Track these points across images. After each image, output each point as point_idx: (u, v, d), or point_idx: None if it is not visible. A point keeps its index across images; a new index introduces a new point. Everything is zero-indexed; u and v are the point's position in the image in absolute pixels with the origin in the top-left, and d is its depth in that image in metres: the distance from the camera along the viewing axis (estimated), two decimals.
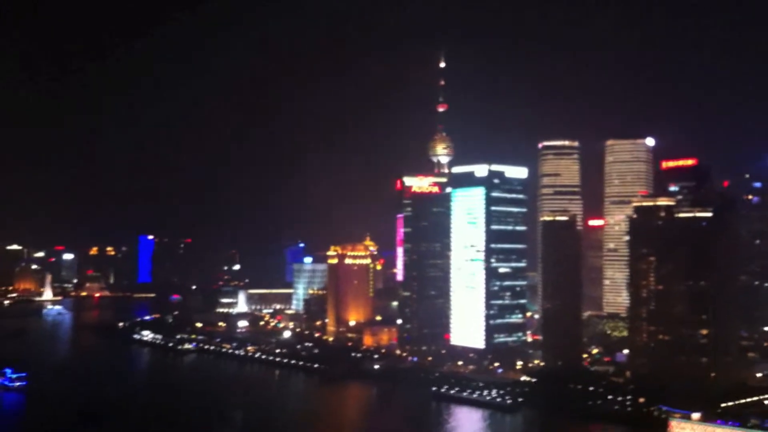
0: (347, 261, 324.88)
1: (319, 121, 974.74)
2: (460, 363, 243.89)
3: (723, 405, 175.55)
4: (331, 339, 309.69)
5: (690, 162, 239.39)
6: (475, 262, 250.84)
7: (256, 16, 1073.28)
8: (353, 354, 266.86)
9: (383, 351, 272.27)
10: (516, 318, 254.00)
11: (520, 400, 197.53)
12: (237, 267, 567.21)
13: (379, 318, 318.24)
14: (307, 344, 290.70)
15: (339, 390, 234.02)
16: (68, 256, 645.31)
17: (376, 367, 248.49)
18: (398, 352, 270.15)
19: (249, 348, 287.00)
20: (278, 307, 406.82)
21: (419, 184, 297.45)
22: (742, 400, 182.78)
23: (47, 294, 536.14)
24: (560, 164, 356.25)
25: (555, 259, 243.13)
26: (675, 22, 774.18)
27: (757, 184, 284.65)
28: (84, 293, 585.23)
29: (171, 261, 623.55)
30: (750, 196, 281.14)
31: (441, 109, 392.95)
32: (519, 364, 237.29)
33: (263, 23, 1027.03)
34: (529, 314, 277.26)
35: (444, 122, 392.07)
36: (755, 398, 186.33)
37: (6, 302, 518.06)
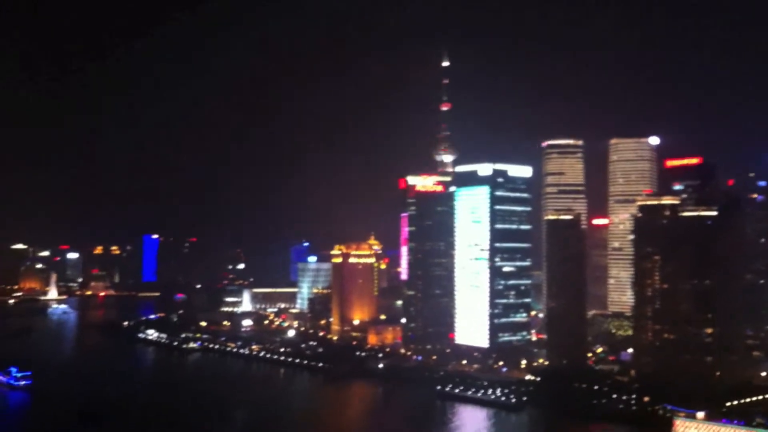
0: (352, 260, 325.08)
1: (321, 121, 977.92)
2: (464, 362, 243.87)
3: (728, 404, 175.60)
4: (335, 338, 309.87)
5: (694, 161, 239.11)
6: (480, 261, 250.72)
7: (256, 16, 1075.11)
8: (358, 353, 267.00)
9: (388, 350, 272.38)
10: (520, 317, 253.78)
11: (524, 399, 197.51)
12: (242, 266, 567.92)
13: (383, 317, 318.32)
14: (311, 343, 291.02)
15: (343, 389, 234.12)
16: (73, 256, 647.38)
17: (381, 366, 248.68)
18: (403, 351, 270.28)
19: (253, 347, 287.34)
20: (283, 306, 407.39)
21: (423, 183, 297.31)
22: (747, 399, 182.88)
23: (52, 293, 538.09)
24: (564, 163, 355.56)
25: (559, 258, 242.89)
26: (675, 22, 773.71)
27: (762, 183, 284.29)
28: (89, 292, 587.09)
29: (176, 260, 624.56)
30: (755, 195, 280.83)
31: (444, 108, 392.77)
32: (523, 363, 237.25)
33: (263, 23, 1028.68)
34: (533, 313, 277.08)
35: (448, 121, 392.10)
36: (760, 397, 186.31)
37: (11, 301, 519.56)
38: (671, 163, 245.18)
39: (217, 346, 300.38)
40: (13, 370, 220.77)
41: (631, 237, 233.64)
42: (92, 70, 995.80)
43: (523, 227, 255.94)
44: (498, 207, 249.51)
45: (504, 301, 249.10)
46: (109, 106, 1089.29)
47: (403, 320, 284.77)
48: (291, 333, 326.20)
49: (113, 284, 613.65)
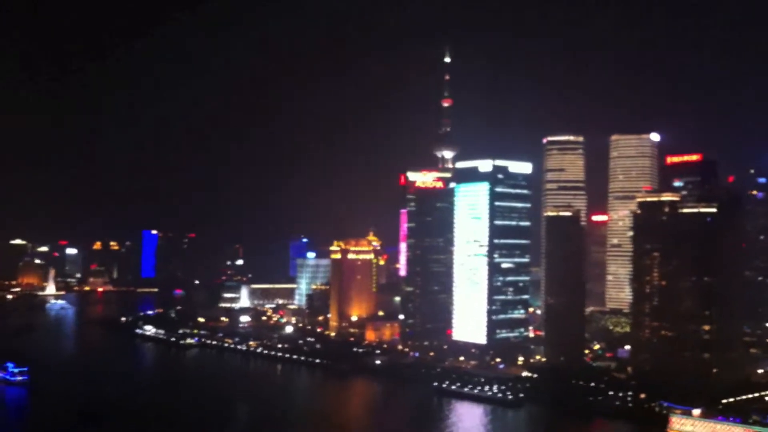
0: (350, 256, 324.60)
1: (321, 118, 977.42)
2: (462, 358, 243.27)
3: (724, 401, 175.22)
4: (333, 334, 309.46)
5: (695, 157, 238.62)
6: (479, 257, 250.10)
7: (256, 16, 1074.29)
8: (355, 349, 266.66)
9: (385, 346, 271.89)
10: (518, 314, 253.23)
11: (522, 395, 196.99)
12: (240, 262, 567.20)
13: (381, 313, 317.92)
14: (309, 339, 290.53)
15: (341, 385, 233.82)
16: (72, 251, 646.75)
17: (379, 362, 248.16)
18: (400, 347, 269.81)
19: (251, 343, 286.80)
20: (281, 302, 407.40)
21: (423, 179, 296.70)
22: (744, 397, 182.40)
23: (50, 288, 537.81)
24: (564, 159, 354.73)
25: (558, 254, 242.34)
26: (675, 21, 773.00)
27: (762, 180, 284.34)
28: (87, 288, 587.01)
29: (174, 256, 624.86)
30: (755, 192, 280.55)
31: (446, 104, 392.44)
32: (521, 359, 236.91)
33: (263, 23, 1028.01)
34: (531, 310, 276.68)
35: (448, 117, 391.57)
36: (757, 394, 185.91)
37: (9, 297, 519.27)
38: (671, 159, 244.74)
39: (215, 342, 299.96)
40: (10, 365, 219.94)
41: (631, 233, 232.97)
42: (92, 70, 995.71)
43: (522, 223, 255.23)
44: (498, 203, 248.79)
45: (502, 297, 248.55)
46: (109, 106, 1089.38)
47: (401, 316, 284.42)
48: (289, 329, 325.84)
49: (112, 280, 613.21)
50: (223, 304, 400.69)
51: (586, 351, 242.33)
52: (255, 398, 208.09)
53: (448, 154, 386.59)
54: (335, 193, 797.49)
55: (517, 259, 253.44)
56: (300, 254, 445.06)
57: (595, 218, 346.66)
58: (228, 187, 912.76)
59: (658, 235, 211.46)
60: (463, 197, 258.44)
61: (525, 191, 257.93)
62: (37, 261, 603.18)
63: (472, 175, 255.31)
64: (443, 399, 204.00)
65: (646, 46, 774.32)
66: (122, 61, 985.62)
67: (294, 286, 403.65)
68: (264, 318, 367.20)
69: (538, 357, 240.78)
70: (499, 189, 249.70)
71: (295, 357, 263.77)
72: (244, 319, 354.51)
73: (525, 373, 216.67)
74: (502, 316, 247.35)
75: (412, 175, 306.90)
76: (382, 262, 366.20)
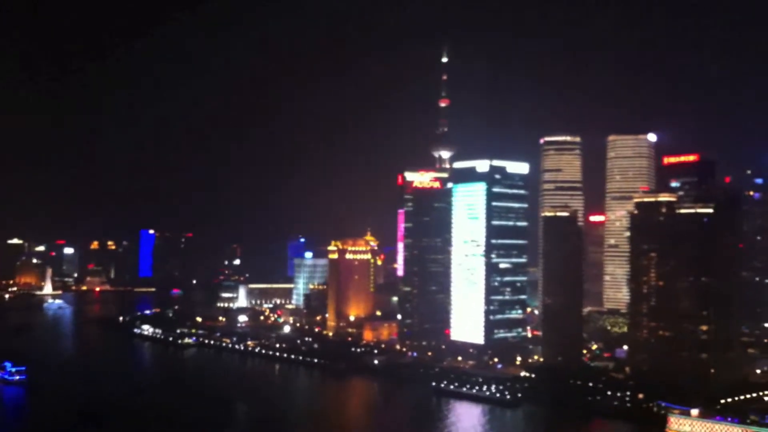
0: (348, 256, 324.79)
1: (319, 119, 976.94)
2: (459, 358, 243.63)
3: (722, 401, 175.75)
4: (331, 334, 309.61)
5: (692, 158, 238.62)
6: (476, 257, 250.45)
7: (256, 16, 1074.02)
8: (353, 349, 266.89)
9: (383, 346, 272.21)
10: (516, 314, 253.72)
11: (519, 395, 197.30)
12: (238, 262, 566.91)
13: (379, 313, 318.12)
14: (307, 339, 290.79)
15: (339, 385, 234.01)
16: (69, 251, 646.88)
17: (376, 362, 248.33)
18: (398, 347, 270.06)
19: (249, 342, 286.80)
20: (279, 301, 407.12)
21: (420, 179, 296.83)
22: (742, 397, 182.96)
23: (48, 288, 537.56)
24: (562, 159, 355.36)
25: (556, 254, 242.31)
26: (675, 21, 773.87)
27: (759, 180, 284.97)
28: (85, 287, 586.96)
29: (172, 256, 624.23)
30: (752, 192, 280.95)
31: (443, 105, 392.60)
32: (519, 359, 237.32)
33: (263, 23, 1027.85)
34: (529, 310, 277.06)
35: (446, 117, 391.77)
36: (755, 394, 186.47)
37: (7, 296, 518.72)
38: (669, 160, 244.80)
39: (212, 342, 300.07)
40: (8, 364, 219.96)
41: (628, 234, 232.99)
42: (92, 70, 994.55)
43: (519, 224, 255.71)
44: (495, 203, 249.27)
45: (500, 297, 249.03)
46: (109, 106, 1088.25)
47: (399, 316, 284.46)
48: (287, 329, 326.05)
49: (109, 279, 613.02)
50: (220, 304, 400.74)
51: (584, 351, 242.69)
52: (253, 398, 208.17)
53: (445, 154, 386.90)
54: (333, 193, 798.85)
55: (514, 260, 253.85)
56: (298, 254, 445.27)
57: (593, 218, 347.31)
58: (226, 187, 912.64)
59: (655, 235, 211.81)
60: (460, 197, 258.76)
61: (522, 191, 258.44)
62: (35, 260, 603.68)
63: (469, 175, 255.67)
64: (441, 399, 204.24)
65: (645, 46, 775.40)
66: (122, 61, 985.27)
67: (292, 285, 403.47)
68: (262, 318, 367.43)
69: (536, 357, 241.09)
70: (496, 189, 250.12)
71: (293, 357, 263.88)
72: (242, 318, 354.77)
73: (523, 373, 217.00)
74: (499, 316, 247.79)
75: (409, 175, 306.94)
76: (379, 262, 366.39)
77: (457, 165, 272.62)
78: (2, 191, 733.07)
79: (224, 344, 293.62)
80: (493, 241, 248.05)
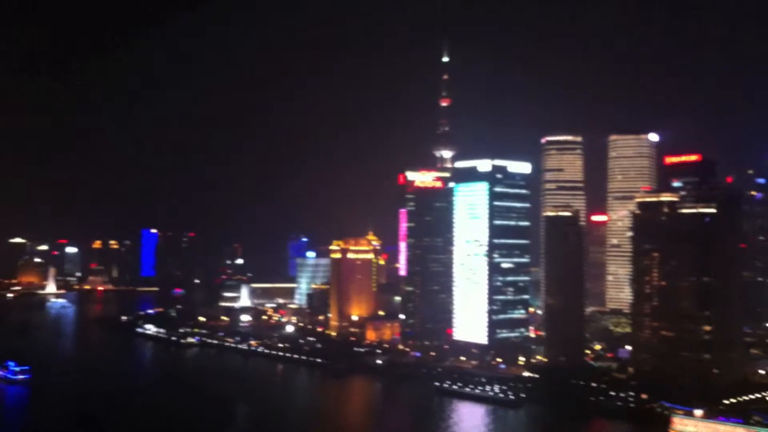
0: (350, 256, 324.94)
1: (321, 118, 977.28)
2: (462, 358, 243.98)
3: (725, 402, 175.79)
4: (333, 334, 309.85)
5: (694, 158, 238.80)
6: (478, 257, 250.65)
7: (255, 16, 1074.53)
8: (356, 349, 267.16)
9: (386, 346, 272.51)
10: (518, 313, 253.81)
11: (522, 395, 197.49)
12: (240, 261, 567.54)
13: (381, 313, 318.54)
14: (309, 339, 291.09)
15: (342, 385, 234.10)
16: (72, 250, 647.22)
17: (379, 362, 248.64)
18: (401, 347, 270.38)
19: (252, 342, 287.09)
20: (281, 301, 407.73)
21: (422, 178, 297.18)
22: (745, 397, 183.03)
23: (50, 287, 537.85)
24: (563, 159, 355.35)
25: (558, 254, 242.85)
26: (675, 21, 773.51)
27: (761, 180, 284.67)
28: (87, 287, 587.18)
29: (174, 255, 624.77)
30: (754, 192, 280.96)
31: (444, 104, 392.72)
32: (521, 359, 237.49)
33: (263, 23, 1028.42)
34: (531, 310, 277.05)
35: (447, 117, 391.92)
36: (758, 395, 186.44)
37: (9, 295, 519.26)
38: (670, 159, 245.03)
39: (215, 341, 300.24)
40: (11, 364, 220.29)
41: (630, 234, 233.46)
42: (92, 70, 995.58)
43: (521, 223, 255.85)
44: (497, 203, 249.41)
45: (502, 297, 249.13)
46: (109, 106, 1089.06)
47: (402, 316, 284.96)
48: (289, 328, 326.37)
49: (112, 279, 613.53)
50: (223, 304, 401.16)
51: (587, 351, 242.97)
52: (256, 397, 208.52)
53: (447, 154, 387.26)
54: (335, 192, 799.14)
55: (516, 259, 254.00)
56: (300, 254, 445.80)
57: (595, 218, 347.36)
58: (229, 187, 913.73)
59: (657, 235, 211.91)
60: (462, 197, 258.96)
61: (524, 191, 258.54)
62: (37, 260, 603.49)
63: (471, 175, 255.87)
64: (444, 399, 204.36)
65: (646, 43, 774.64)
66: (122, 61, 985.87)
67: (294, 285, 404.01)
68: (264, 317, 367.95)
69: (538, 357, 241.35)
70: (498, 189, 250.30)
71: (295, 356, 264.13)
72: (245, 318, 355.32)
73: (525, 373, 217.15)
74: (502, 316, 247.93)
75: (411, 175, 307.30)
76: (381, 262, 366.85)
77: (459, 164, 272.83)
78: (5, 190, 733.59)
79: (227, 344, 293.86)
80: (496, 240, 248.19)
